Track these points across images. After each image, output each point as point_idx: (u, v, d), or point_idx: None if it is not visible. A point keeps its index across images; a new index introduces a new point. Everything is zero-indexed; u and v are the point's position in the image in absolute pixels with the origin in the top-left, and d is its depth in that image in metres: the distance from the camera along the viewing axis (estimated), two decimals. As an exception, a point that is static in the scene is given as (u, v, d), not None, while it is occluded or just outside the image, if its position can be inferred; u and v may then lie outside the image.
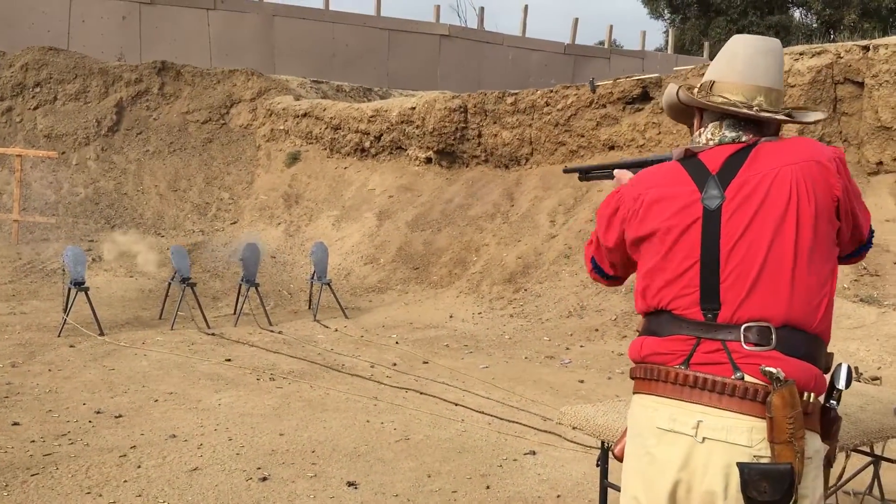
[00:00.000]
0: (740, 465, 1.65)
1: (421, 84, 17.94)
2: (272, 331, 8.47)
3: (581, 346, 7.75)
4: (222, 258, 11.68)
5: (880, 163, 8.47)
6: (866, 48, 8.59)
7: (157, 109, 14.57)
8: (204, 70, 15.31)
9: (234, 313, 8.99)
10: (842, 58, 8.70)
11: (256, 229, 12.53)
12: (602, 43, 23.05)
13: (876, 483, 3.71)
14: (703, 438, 1.69)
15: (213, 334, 8.21)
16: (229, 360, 7.06)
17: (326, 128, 13.96)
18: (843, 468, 3.62)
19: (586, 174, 2.33)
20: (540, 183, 11.34)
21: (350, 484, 4.20)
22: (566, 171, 2.53)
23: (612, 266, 2.06)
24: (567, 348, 7.71)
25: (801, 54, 8.91)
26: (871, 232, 1.97)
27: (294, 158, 14.09)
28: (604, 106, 11.07)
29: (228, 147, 14.40)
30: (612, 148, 11.02)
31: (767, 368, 1.66)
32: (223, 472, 4.33)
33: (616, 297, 8.67)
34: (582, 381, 6.55)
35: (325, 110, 14.06)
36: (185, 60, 15.47)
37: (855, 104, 8.71)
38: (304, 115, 14.30)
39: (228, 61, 16.20)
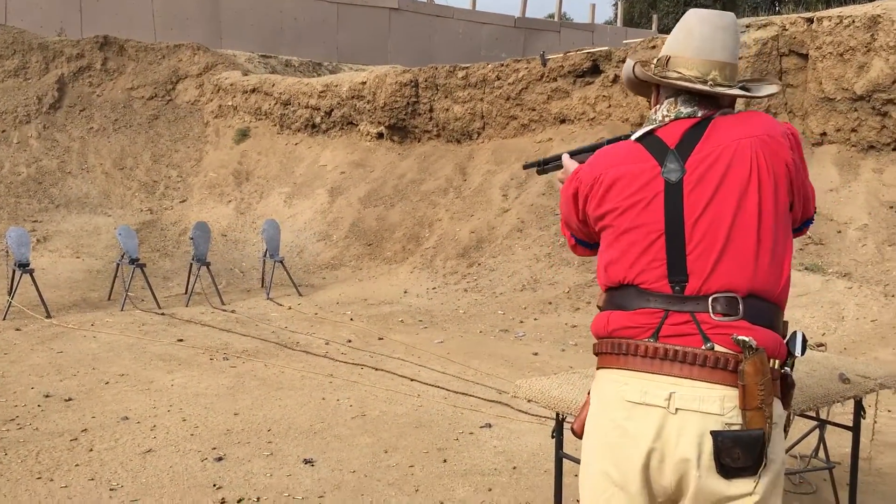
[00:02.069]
0: (714, 433, 1.68)
1: (371, 58, 17.76)
2: (224, 310, 8.38)
3: (535, 319, 7.82)
4: (172, 237, 11.49)
5: (824, 133, 8.64)
6: (810, 20, 8.73)
7: (100, 86, 14.18)
8: (148, 45, 14.93)
9: (186, 293, 8.86)
10: (787, 30, 8.83)
11: (206, 207, 12.34)
12: (552, 16, 23.07)
13: (822, 446, 3.83)
14: (676, 409, 1.71)
15: (164, 314, 8.09)
16: (181, 340, 6.97)
17: (276, 103, 13.75)
18: (787, 432, 3.73)
19: (544, 167, 2.31)
20: (492, 157, 11.34)
21: (307, 461, 4.19)
22: (525, 167, 2.51)
23: (589, 237, 2.06)
24: (521, 321, 7.77)
25: (747, 26, 9.02)
26: (814, 208, 2.03)
27: (243, 135, 13.86)
28: (554, 79, 11.08)
29: (175, 124, 14.10)
30: (563, 121, 11.06)
31: (741, 337, 1.69)
32: (177, 454, 4.28)
33: (569, 269, 8.75)
34: (536, 354, 6.61)
35: (274, 86, 13.84)
36: (129, 35, 15.07)
37: (799, 76, 8.87)
38: (253, 90, 14.05)
39: (173, 36, 15.83)
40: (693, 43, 1.88)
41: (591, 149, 2.12)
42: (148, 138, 13.66)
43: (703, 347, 1.72)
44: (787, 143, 1.82)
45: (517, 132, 11.52)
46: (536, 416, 4.87)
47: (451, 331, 7.50)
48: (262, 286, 9.45)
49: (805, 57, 8.79)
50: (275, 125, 13.86)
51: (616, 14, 25.46)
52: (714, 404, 1.70)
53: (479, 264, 9.48)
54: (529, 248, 9.34)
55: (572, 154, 2.18)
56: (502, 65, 11.65)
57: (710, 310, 1.74)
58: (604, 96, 10.65)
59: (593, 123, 10.70)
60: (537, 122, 11.31)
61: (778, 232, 1.79)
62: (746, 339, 1.68)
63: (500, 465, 4.19)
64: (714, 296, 1.75)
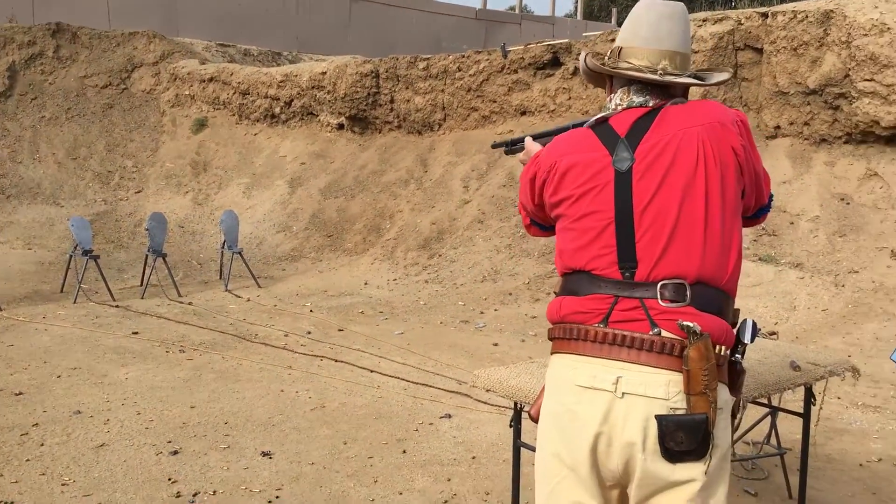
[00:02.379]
0: (658, 418, 1.70)
1: (331, 48, 17.64)
2: (181, 302, 8.26)
3: (495, 310, 7.84)
4: (127, 228, 11.30)
5: (778, 127, 8.78)
6: (765, 15, 8.86)
7: (52, 73, 13.87)
8: (102, 32, 14.63)
9: (141, 285, 8.72)
10: (742, 24, 8.94)
11: (163, 198, 12.15)
12: (513, 8, 23.11)
13: (773, 433, 3.90)
14: (623, 394, 1.73)
15: (118, 307, 7.95)
16: (136, 332, 6.86)
17: (234, 93, 13.58)
18: (740, 419, 3.79)
19: (511, 148, 2.34)
20: (453, 149, 11.34)
21: (265, 454, 4.16)
22: (494, 146, 2.53)
23: (544, 220, 2.09)
24: (481, 312, 7.79)
25: (703, 21, 9.12)
26: (771, 196, 2.05)
27: (201, 125, 13.67)
28: (515, 71, 11.11)
29: (131, 113, 13.85)
30: (523, 113, 11.10)
31: (685, 323, 1.71)
32: (132, 447, 4.22)
33: (529, 261, 8.79)
34: (496, 345, 6.63)
35: (232, 75, 13.66)
36: (82, 22, 14.75)
37: (754, 70, 8.99)
38: (211, 79, 13.86)
39: (128, 23, 15.53)
40: (641, 33, 1.90)
41: (555, 132, 2.15)
42: (102, 127, 13.40)
43: (651, 333, 1.75)
44: (735, 129, 1.83)
45: (478, 124, 11.53)
46: (496, 406, 4.88)
47: (411, 322, 7.50)
48: (221, 278, 9.34)
49: (760, 51, 8.92)
50: (233, 115, 13.69)
51: (576, 7, 25.59)
52: (659, 389, 1.72)
53: (440, 255, 9.48)
54: (490, 240, 9.36)
55: (535, 137, 2.20)
56: (463, 56, 11.64)
57: (659, 296, 1.76)
58: (564, 88, 10.70)
59: (553, 115, 10.75)
60: (498, 113, 11.33)
61: (725, 219, 1.80)
62: (691, 324, 1.70)
63: (460, 455, 4.20)
64: (662, 282, 1.77)
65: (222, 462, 4.05)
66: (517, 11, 22.69)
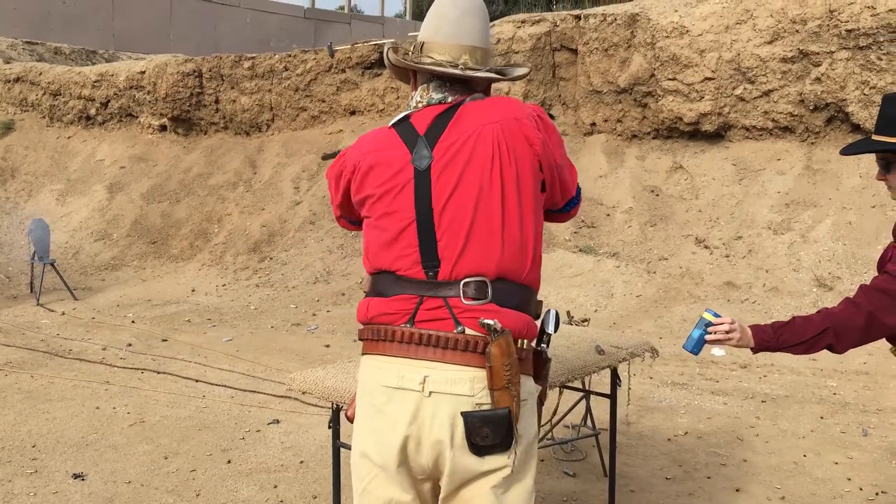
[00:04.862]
0: (464, 414, 1.72)
1: (152, 47, 16.86)
2: (-14, 319, 7.65)
3: (328, 311, 7.78)
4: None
5: (594, 124, 9.24)
6: (578, 17, 9.29)
7: None
8: None
9: (-61, 303, 8.00)
10: (558, 26, 9.33)
11: (-36, 208, 11.18)
12: (342, 8, 23.00)
13: (588, 415, 4.09)
14: (430, 392, 1.75)
15: (-88, 328, 7.25)
16: (-68, 355, 6.28)
17: (44, 94, 12.72)
18: (558, 404, 3.96)
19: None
20: (283, 150, 11.13)
21: (76, 476, 3.91)
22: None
23: (349, 213, 2.06)
24: (314, 314, 7.70)
25: (522, 22, 9.44)
26: (579, 189, 2.08)
27: (7, 128, 12.70)
28: (343, 71, 11.06)
29: (-76, 116, 12.66)
30: (353, 113, 11.07)
31: (485, 321, 1.73)
32: (-78, 481, 3.86)
33: (361, 260, 8.77)
34: (328, 346, 6.58)
35: (41, 74, 12.79)
36: None
37: (571, 70, 9.41)
38: (17, 79, 12.93)
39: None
40: (443, 27, 1.90)
41: None
42: None
43: (455, 331, 1.76)
44: (532, 124, 1.84)
45: (307, 124, 11.38)
46: (325, 408, 4.83)
47: (241, 328, 7.30)
48: (32, 291, 8.71)
49: (575, 52, 9.34)
50: (44, 117, 12.82)
51: (406, 7, 25.81)
52: (465, 386, 1.74)
53: (271, 258, 9.29)
54: (322, 241, 9.27)
55: None
56: (290, 55, 11.46)
57: (462, 294, 1.78)
58: (392, 88, 10.76)
59: (383, 115, 10.78)
60: (327, 113, 11.24)
61: (523, 215, 1.82)
62: (491, 322, 1.73)
63: (288, 461, 4.13)
64: (465, 280, 1.78)
65: (28, 488, 3.78)
66: (346, 11, 22.60)
